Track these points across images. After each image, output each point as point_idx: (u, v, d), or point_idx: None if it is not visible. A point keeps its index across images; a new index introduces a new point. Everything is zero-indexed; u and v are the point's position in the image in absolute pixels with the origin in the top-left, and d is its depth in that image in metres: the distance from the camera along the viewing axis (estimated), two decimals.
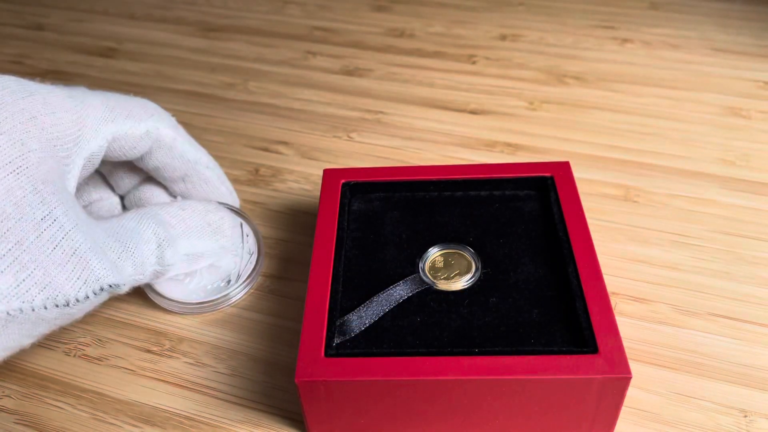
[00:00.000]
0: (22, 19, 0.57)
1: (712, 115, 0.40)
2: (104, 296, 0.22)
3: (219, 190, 0.30)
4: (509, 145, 0.39)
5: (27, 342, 0.22)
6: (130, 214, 0.25)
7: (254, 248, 0.31)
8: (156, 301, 0.29)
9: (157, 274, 0.25)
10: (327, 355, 0.22)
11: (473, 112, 0.42)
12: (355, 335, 0.23)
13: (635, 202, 0.34)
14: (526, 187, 0.29)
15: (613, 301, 0.29)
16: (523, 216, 0.28)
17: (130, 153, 0.26)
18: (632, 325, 0.28)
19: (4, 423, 0.25)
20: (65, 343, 0.28)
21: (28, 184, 0.21)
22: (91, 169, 0.25)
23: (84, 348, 0.28)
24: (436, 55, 0.48)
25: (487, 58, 0.47)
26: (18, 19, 0.57)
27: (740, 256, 0.30)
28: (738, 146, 0.37)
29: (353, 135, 0.40)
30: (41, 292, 0.21)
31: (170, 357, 0.28)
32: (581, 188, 0.34)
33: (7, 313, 0.20)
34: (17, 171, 0.21)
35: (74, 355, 0.28)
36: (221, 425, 0.25)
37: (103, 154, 0.25)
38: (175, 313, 0.29)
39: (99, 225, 0.23)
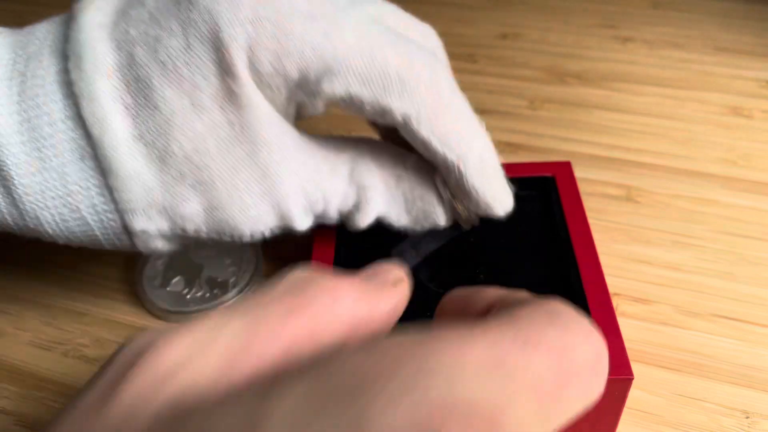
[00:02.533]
0: (21, 19, 0.57)
1: (714, 115, 0.40)
2: (277, 229, 0.23)
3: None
4: (510, 144, 0.38)
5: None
6: (341, 157, 0.23)
7: (253, 259, 0.30)
8: (150, 311, 0.29)
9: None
10: None
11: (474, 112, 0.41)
12: None
13: (637, 202, 0.34)
14: (527, 187, 0.29)
15: (615, 301, 0.28)
16: (524, 216, 0.28)
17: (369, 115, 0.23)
18: (634, 326, 0.27)
19: (3, 424, 0.25)
20: (63, 344, 0.28)
21: (236, 122, 0.20)
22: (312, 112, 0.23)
23: (82, 349, 0.28)
24: None
25: (488, 57, 0.47)
26: (18, 19, 0.57)
27: (743, 256, 0.30)
28: (740, 146, 0.37)
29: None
30: (216, 227, 0.21)
31: None
32: (582, 188, 0.34)
33: (183, 231, 0.21)
34: (223, 106, 0.20)
35: (72, 356, 0.28)
36: None
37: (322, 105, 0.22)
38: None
39: (305, 166, 0.22)
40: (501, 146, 0.38)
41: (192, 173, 0.20)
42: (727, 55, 0.45)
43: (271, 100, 0.21)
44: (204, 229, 0.22)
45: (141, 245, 0.22)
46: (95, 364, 0.27)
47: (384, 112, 0.21)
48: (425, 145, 0.22)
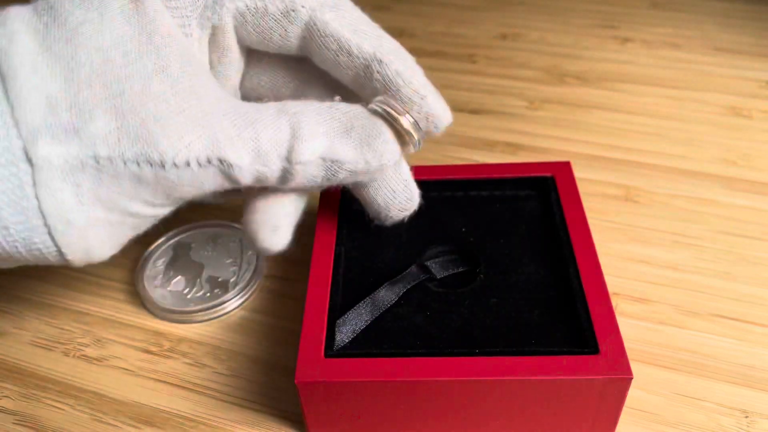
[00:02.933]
0: None
1: (713, 115, 0.40)
2: (213, 173, 0.20)
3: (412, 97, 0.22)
4: (510, 144, 0.38)
5: (138, 207, 0.20)
6: (267, 104, 0.22)
7: (253, 259, 0.30)
8: (151, 310, 0.29)
9: (285, 174, 0.21)
10: (327, 355, 0.22)
11: (473, 112, 0.41)
12: (356, 335, 0.23)
13: (636, 202, 0.34)
14: (526, 187, 0.29)
15: (614, 301, 0.29)
16: (524, 216, 0.28)
17: (276, 39, 0.22)
18: (633, 326, 0.27)
19: (3, 424, 0.25)
20: (64, 344, 0.28)
21: (143, 34, 0.20)
22: (229, 57, 0.23)
23: (83, 348, 0.28)
24: (437, 54, 0.48)
25: (488, 58, 0.47)
26: None
27: (742, 256, 0.30)
28: (739, 146, 0.37)
29: None
30: (134, 146, 0.19)
31: (169, 358, 0.27)
32: (582, 188, 0.34)
33: (95, 160, 0.19)
34: (129, 19, 0.20)
35: (73, 356, 0.28)
36: (221, 426, 0.25)
37: (231, 33, 0.22)
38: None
39: (226, 100, 0.21)
40: (501, 146, 0.38)
41: (102, 86, 0.19)
42: (726, 56, 0.45)
43: (184, 30, 0.21)
44: (118, 152, 0.19)
45: (49, 202, 0.19)
46: (96, 364, 0.27)
47: (287, 9, 0.22)
48: (338, 39, 0.22)
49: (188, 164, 0.20)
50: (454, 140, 0.39)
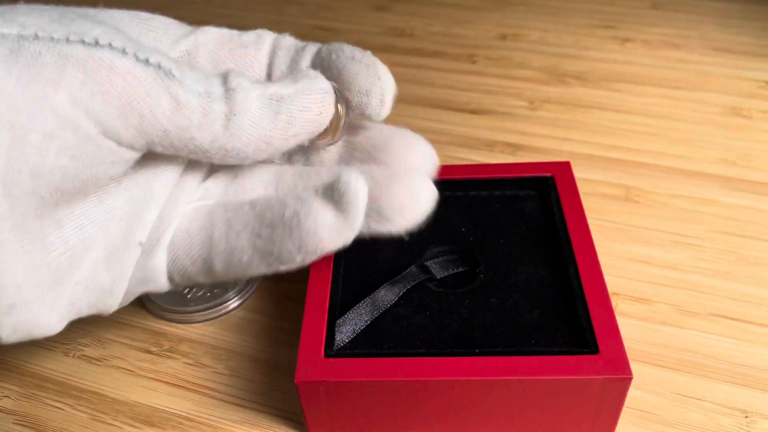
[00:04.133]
0: None
1: (713, 115, 0.40)
2: (153, 74, 0.18)
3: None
4: (509, 144, 0.38)
5: (60, 98, 0.17)
6: None
7: None
8: (151, 310, 0.29)
9: (229, 106, 0.19)
10: (327, 355, 0.22)
11: (473, 112, 0.41)
12: (356, 335, 0.23)
13: (636, 202, 0.34)
14: (526, 187, 0.29)
15: (614, 301, 0.29)
16: (524, 216, 0.28)
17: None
18: (633, 326, 0.28)
19: (3, 423, 0.25)
20: (64, 344, 0.28)
21: None
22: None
23: (83, 348, 0.28)
24: (436, 54, 0.48)
25: (488, 58, 0.47)
26: None
27: (742, 256, 0.30)
28: (739, 146, 0.37)
29: None
30: (64, 29, 0.18)
31: (169, 357, 0.27)
32: (582, 188, 0.34)
33: (18, 36, 0.17)
34: None
35: (73, 356, 0.28)
36: (220, 426, 0.25)
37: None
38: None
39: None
40: (501, 146, 0.38)
41: None
42: (725, 56, 0.45)
43: None
44: (47, 32, 0.18)
45: None
46: (96, 364, 0.27)
47: (257, 36, 0.24)
48: (295, 44, 0.23)
49: (125, 51, 0.18)
50: (454, 140, 0.39)
